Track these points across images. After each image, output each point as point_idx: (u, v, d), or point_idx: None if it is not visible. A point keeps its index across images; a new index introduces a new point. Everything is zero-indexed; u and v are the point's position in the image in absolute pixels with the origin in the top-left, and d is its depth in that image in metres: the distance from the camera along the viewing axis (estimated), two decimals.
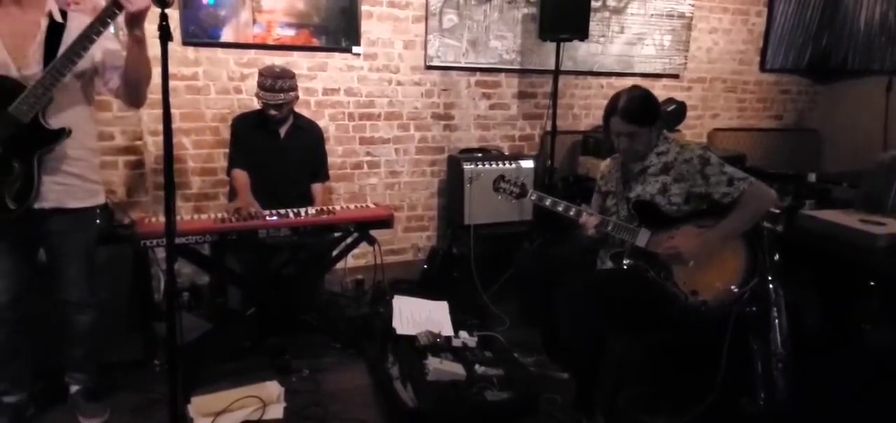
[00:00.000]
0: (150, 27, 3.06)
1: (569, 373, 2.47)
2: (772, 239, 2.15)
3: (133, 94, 2.05)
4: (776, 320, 1.99)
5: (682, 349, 2.30)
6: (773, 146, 4.76)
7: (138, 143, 3.06)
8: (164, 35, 1.63)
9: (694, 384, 2.19)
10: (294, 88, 2.95)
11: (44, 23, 1.89)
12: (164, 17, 1.62)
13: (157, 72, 3.07)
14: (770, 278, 2.07)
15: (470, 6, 3.86)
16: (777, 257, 2.14)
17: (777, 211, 2.22)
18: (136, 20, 1.84)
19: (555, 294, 2.23)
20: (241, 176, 2.92)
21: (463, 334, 2.75)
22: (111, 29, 1.91)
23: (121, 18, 1.82)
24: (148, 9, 1.82)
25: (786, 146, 4.80)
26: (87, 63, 1.94)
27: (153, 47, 3.08)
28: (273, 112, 2.91)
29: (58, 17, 1.91)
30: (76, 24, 1.88)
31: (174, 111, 3.07)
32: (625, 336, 2.26)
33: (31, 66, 1.85)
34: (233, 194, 2.97)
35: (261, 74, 2.91)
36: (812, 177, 3.10)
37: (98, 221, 2.60)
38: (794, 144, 4.86)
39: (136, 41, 1.91)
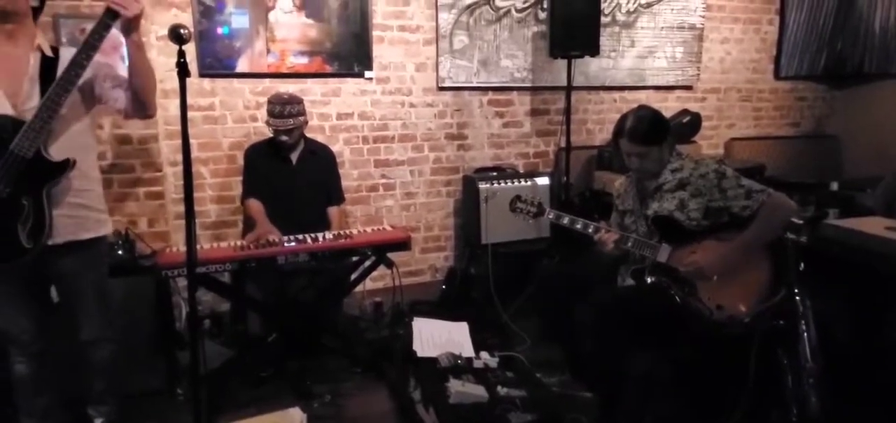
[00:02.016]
0: (169, 61, 3.12)
1: (593, 392, 2.44)
2: (797, 250, 2.11)
3: (142, 104, 2.02)
4: (805, 333, 1.95)
5: (710, 365, 2.26)
6: (793, 154, 4.70)
7: (158, 174, 3.10)
8: (183, 71, 1.65)
9: (723, 401, 2.15)
10: (303, 113, 2.98)
11: (34, 57, 1.88)
12: (181, 54, 1.64)
13: (174, 103, 3.19)
14: (797, 290, 2.03)
15: (480, 27, 3.89)
16: (803, 268, 2.10)
17: (800, 222, 2.18)
18: (131, 26, 1.84)
19: (577, 313, 2.21)
20: (255, 204, 2.94)
21: (484, 354, 2.73)
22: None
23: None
24: (142, 13, 1.83)
25: (805, 153, 4.74)
26: (85, 85, 1.92)
27: (171, 80, 3.18)
28: (283, 138, 2.94)
29: (48, 52, 1.90)
30: (68, 57, 1.87)
31: (192, 141, 3.12)
32: (650, 354, 2.22)
33: (28, 102, 1.83)
34: (248, 223, 2.99)
35: (269, 101, 2.95)
36: (834, 185, 3.05)
37: (119, 252, 2.66)
38: (813, 150, 4.79)
39: (136, 47, 1.90)
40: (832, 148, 4.90)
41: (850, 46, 4.67)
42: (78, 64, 1.80)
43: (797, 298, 2.01)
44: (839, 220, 2.56)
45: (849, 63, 4.70)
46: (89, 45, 1.80)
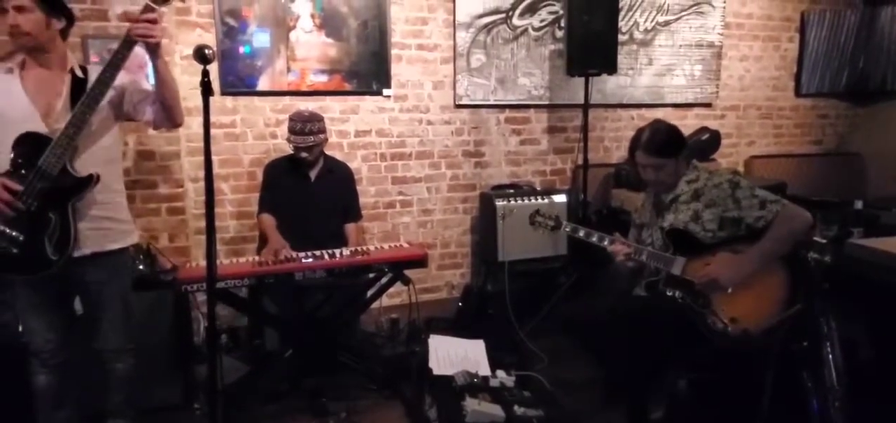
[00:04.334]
0: (192, 80, 3.18)
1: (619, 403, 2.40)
2: (820, 271, 2.07)
3: (169, 114, 2.10)
4: (830, 355, 1.90)
5: (729, 383, 2.21)
6: (815, 172, 4.63)
7: (180, 190, 3.15)
8: (206, 90, 1.69)
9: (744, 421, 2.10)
10: (323, 131, 3.02)
11: (66, 78, 1.97)
12: (205, 74, 1.68)
13: (196, 120, 3.25)
14: (820, 311, 1.99)
15: (497, 45, 3.91)
16: (826, 288, 2.06)
17: (824, 241, 2.14)
18: (154, 48, 1.93)
19: (592, 325, 2.19)
20: (268, 220, 2.98)
21: (500, 373, 2.70)
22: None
23: None
24: (162, 37, 1.92)
25: (828, 171, 4.67)
26: (115, 102, 2.00)
27: (194, 98, 3.24)
28: (303, 155, 2.97)
29: (79, 73, 2.00)
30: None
31: (213, 158, 3.18)
32: (671, 371, 2.19)
33: (61, 121, 1.91)
34: (263, 239, 3.02)
35: (290, 118, 2.99)
36: (859, 204, 2.98)
37: (140, 266, 2.69)
38: (836, 168, 4.71)
39: (161, 62, 1.98)
40: (855, 166, 4.82)
41: (873, 63, 4.61)
42: (103, 82, 1.88)
43: (821, 319, 1.97)
44: (864, 239, 2.51)
45: (871, 80, 4.63)
46: (113, 65, 1.89)
